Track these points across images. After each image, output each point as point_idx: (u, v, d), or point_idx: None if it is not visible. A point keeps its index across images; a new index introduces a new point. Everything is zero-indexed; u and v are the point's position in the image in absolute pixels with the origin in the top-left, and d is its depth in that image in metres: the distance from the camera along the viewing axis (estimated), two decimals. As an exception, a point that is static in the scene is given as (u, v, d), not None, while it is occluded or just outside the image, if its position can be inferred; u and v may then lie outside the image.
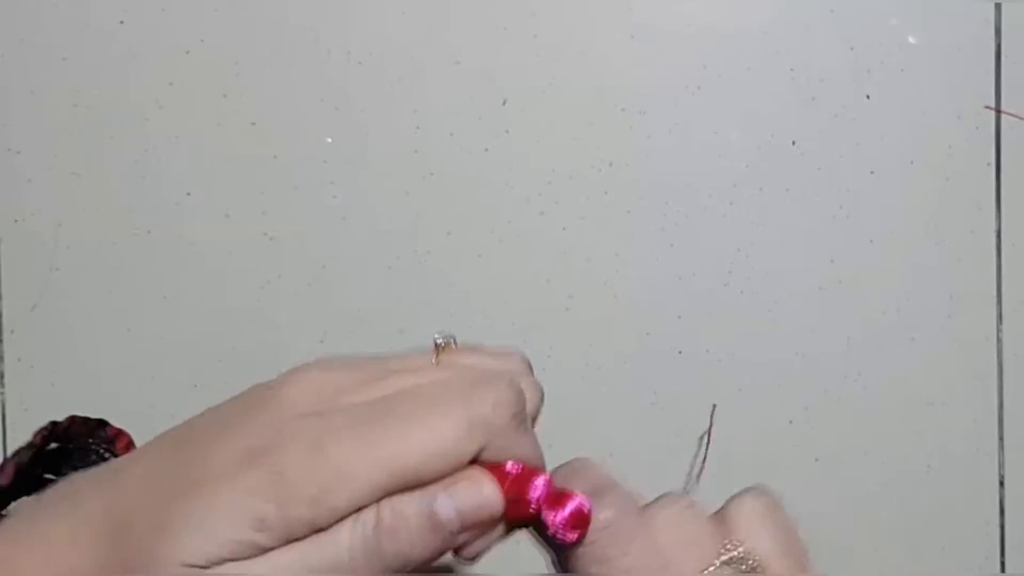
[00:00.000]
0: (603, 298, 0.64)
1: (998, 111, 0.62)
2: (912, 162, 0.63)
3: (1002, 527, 0.63)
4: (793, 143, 0.63)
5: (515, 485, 0.31)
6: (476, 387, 0.32)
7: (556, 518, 0.31)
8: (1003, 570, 0.63)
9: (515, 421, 0.32)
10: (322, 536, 0.30)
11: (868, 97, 0.63)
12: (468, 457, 0.31)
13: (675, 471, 0.64)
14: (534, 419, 0.35)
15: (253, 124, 0.64)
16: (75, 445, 0.43)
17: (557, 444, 0.68)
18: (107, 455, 0.42)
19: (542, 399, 0.36)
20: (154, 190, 0.64)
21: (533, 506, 0.31)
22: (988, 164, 0.63)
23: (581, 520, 0.31)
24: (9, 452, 0.46)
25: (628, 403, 0.63)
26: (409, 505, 0.31)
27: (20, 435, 0.47)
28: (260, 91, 0.63)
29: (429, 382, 0.32)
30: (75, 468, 0.42)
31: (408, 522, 0.30)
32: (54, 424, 0.42)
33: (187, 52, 0.64)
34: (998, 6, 0.62)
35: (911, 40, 0.62)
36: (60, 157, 0.64)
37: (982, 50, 0.62)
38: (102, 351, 0.64)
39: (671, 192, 0.63)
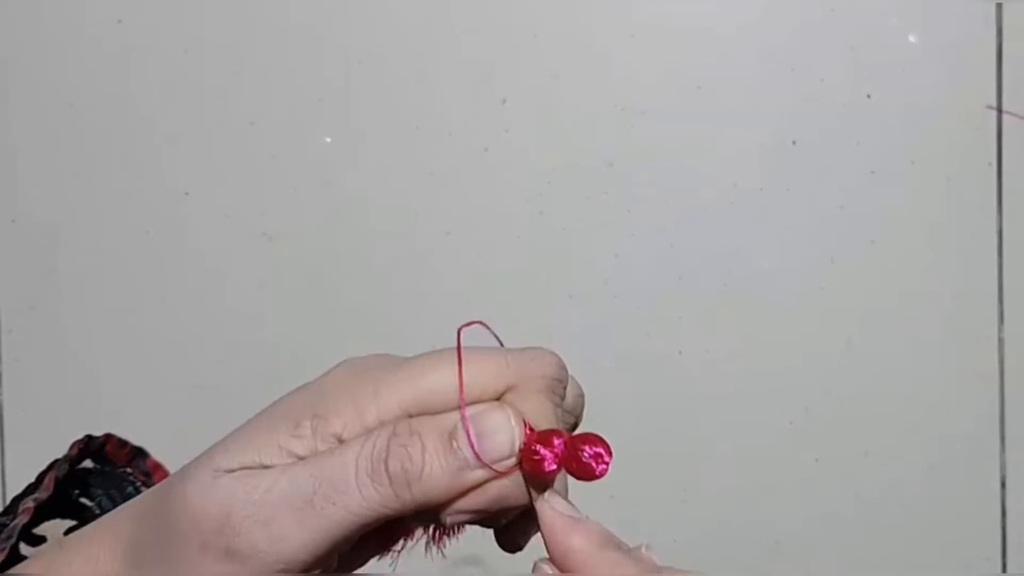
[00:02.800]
0: (603, 298, 0.64)
1: (999, 111, 0.62)
2: (913, 162, 0.63)
3: (1003, 527, 0.63)
4: (793, 143, 0.63)
5: (533, 439, 0.30)
6: (520, 349, 0.32)
7: (588, 450, 0.30)
8: (1004, 570, 0.63)
9: (545, 381, 0.32)
10: (335, 449, 0.29)
11: (868, 97, 0.62)
12: (491, 389, 0.30)
13: (675, 472, 0.64)
14: (575, 424, 0.34)
15: (252, 124, 0.64)
16: (110, 468, 0.41)
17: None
18: (143, 488, 0.40)
19: (582, 398, 0.35)
20: (154, 190, 0.64)
21: (556, 445, 0.30)
22: (989, 164, 0.62)
23: (606, 449, 0.30)
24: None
25: (628, 403, 0.63)
26: (425, 423, 0.29)
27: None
28: (260, 91, 0.63)
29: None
30: (107, 492, 0.41)
31: (421, 440, 0.29)
32: (90, 438, 0.41)
33: (186, 52, 0.64)
34: (999, 6, 0.62)
35: (911, 40, 0.62)
36: (59, 157, 0.64)
37: (983, 50, 0.62)
38: (100, 351, 0.64)
39: (671, 192, 0.63)
